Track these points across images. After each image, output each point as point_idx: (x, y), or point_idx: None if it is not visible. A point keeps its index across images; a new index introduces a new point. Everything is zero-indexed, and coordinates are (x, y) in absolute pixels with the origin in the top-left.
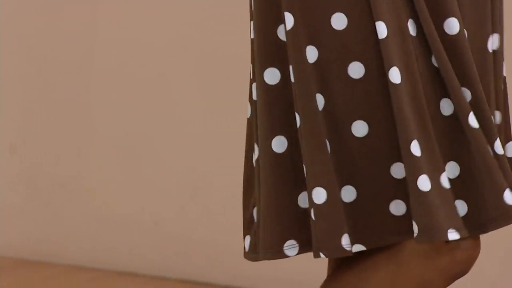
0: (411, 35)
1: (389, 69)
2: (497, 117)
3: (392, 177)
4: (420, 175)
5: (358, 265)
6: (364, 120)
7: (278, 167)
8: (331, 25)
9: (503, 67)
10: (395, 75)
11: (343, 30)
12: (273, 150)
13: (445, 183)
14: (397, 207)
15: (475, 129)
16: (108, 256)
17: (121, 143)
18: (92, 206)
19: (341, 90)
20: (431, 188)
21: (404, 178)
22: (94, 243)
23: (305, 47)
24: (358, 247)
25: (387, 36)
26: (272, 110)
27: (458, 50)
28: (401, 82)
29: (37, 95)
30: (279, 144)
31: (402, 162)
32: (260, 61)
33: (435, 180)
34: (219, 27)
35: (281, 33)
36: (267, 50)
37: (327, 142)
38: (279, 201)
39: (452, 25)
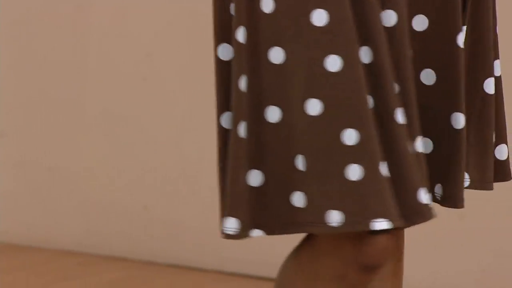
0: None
1: (326, 57)
2: (461, 120)
3: (296, 168)
4: (349, 164)
5: (292, 253)
6: (279, 107)
7: (226, 144)
8: (260, 8)
9: (486, 67)
10: (333, 63)
11: (270, 13)
12: (222, 126)
13: (384, 171)
14: (299, 199)
15: (399, 124)
16: (98, 241)
17: (110, 127)
18: (81, 190)
19: (263, 73)
20: (362, 178)
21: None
22: (83, 227)
23: (239, 27)
24: (257, 233)
25: (328, 23)
26: (224, 85)
27: (394, 43)
28: (340, 70)
29: (27, 82)
30: (227, 119)
31: (304, 154)
32: (215, 36)
33: (371, 169)
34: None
35: (233, 11)
36: (221, 26)
37: (245, 123)
38: (222, 178)
39: (390, 17)
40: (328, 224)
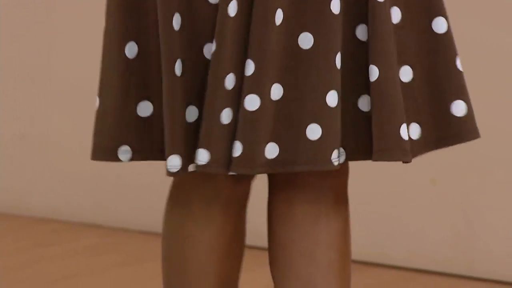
0: None
1: (230, 1)
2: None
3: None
4: (226, 108)
5: None
6: (216, 42)
7: (126, 73)
8: None
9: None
10: (231, 8)
11: None
12: (125, 55)
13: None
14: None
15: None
16: (71, 208)
17: (83, 95)
18: (55, 158)
19: (200, 11)
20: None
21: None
22: (56, 194)
23: None
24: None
25: None
26: (134, 16)
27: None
28: (235, 15)
29: None
30: (132, 49)
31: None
32: None
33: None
34: None
35: None
36: None
37: (180, 61)
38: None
39: None
40: (197, 163)
